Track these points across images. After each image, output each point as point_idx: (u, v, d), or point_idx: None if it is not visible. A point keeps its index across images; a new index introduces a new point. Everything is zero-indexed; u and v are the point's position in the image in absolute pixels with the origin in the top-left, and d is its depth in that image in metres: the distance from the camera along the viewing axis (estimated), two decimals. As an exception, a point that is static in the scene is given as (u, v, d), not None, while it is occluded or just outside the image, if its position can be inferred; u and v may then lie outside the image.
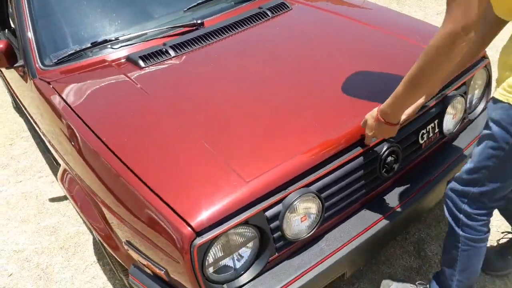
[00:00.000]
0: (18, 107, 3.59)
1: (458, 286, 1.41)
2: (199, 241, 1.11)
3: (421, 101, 1.33)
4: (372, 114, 1.27)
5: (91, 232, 1.73)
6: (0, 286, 1.99)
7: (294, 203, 1.22)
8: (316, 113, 1.41)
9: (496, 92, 1.13)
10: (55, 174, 2.73)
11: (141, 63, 1.77)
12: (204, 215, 1.13)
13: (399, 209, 1.45)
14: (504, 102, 1.09)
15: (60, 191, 2.56)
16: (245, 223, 1.17)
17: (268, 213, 1.21)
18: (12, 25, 2.68)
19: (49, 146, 2.05)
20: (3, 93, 3.92)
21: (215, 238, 1.13)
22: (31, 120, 2.26)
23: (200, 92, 1.58)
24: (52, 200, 2.49)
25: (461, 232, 1.34)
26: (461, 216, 1.32)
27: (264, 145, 1.31)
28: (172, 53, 1.82)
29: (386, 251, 1.81)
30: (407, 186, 1.50)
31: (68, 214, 2.36)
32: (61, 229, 2.26)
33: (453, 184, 1.33)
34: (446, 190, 1.37)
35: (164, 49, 1.83)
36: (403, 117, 1.26)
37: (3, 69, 2.77)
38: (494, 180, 1.23)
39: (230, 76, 1.66)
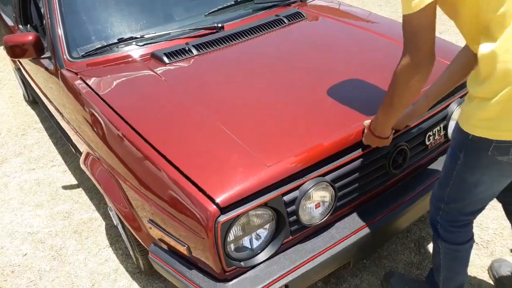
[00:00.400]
0: (31, 100, 3.69)
1: (444, 283, 1.50)
2: (223, 218, 1.20)
3: (405, 118, 1.43)
4: (366, 125, 1.38)
5: (113, 213, 1.81)
6: (15, 265, 2.07)
7: (310, 190, 1.32)
8: (332, 110, 1.52)
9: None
10: (68, 163, 2.82)
11: (165, 59, 1.88)
12: (228, 193, 1.22)
13: (404, 205, 1.55)
14: (458, 124, 1.19)
15: (73, 179, 2.65)
16: (265, 205, 1.27)
17: (286, 198, 1.31)
18: (34, 22, 2.80)
19: (71, 133, 2.15)
20: (15, 87, 4.02)
21: (237, 216, 1.22)
22: (53, 109, 2.36)
23: (222, 87, 1.69)
24: (65, 187, 2.57)
25: (440, 241, 1.42)
26: (438, 227, 1.41)
27: (283, 135, 1.41)
28: (194, 51, 1.94)
29: (388, 247, 1.91)
30: (413, 183, 1.61)
31: (81, 201, 2.45)
32: (74, 215, 2.34)
33: (431, 196, 1.42)
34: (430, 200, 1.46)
35: (187, 48, 1.95)
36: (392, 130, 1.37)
37: (23, 62, 2.89)
38: (456, 197, 1.30)
39: (249, 74, 1.77)
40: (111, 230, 2.21)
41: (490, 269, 1.74)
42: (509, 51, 0.96)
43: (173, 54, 1.91)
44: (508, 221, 1.90)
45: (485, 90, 1.03)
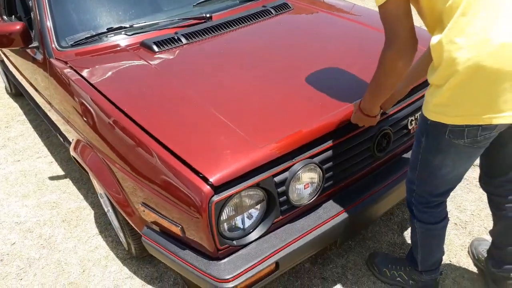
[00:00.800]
0: (13, 93, 3.65)
1: (422, 259, 1.58)
2: (217, 198, 1.24)
3: (389, 99, 1.50)
4: (356, 105, 1.45)
5: (104, 199, 1.83)
6: (3, 254, 2.07)
7: (299, 172, 1.38)
8: (319, 95, 1.57)
9: None
10: (54, 154, 2.81)
11: (155, 47, 1.91)
12: (221, 173, 1.26)
13: (387, 187, 1.63)
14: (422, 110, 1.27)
15: (59, 170, 2.65)
16: (256, 185, 1.32)
17: (277, 179, 1.36)
18: (19, 12, 2.79)
19: (59, 123, 2.15)
20: (-3, 80, 3.97)
21: (230, 196, 1.27)
22: (40, 99, 2.35)
23: (211, 74, 1.72)
24: (52, 178, 2.57)
25: (415, 220, 1.51)
26: (413, 208, 1.49)
27: (273, 118, 1.46)
28: (183, 40, 1.97)
29: (373, 229, 1.99)
30: (396, 166, 1.68)
31: (69, 191, 2.45)
32: (62, 204, 2.34)
33: (406, 179, 1.50)
34: None
35: (176, 37, 1.98)
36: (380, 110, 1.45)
37: (8, 53, 2.86)
38: (424, 179, 1.38)
39: (238, 62, 1.82)
40: (100, 219, 2.22)
41: (470, 247, 1.83)
42: (453, 41, 1.04)
43: (162, 43, 1.94)
44: (484, 203, 2.01)
45: (437, 78, 1.12)
